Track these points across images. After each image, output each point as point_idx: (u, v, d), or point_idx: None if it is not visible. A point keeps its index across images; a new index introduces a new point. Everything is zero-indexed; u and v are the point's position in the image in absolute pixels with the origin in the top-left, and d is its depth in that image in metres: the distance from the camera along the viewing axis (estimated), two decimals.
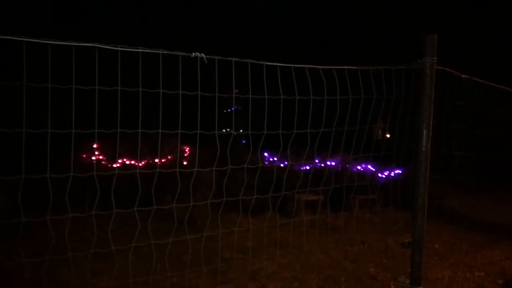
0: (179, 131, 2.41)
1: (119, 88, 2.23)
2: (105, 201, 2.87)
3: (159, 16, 16.81)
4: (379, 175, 10.14)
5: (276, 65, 2.49)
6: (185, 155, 9.66)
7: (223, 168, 2.73)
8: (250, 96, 2.56)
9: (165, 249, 3.31)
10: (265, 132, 2.67)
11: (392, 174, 10.12)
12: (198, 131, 2.44)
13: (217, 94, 2.51)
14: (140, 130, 2.33)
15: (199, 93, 2.38)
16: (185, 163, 9.08)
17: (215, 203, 3.21)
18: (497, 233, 7.97)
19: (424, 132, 2.83)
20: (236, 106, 11.50)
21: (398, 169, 9.99)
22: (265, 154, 9.93)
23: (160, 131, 2.37)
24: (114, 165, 8.83)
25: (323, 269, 5.81)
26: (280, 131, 2.75)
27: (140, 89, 2.23)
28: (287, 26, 16.85)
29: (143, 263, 5.19)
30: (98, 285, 4.76)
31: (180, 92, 2.33)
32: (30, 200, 4.26)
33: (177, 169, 2.43)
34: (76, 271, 4.24)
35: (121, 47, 2.03)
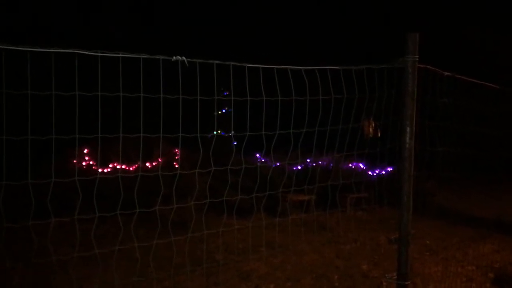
0: (161, 134, 2.42)
1: (99, 93, 2.24)
2: (94, 205, 2.87)
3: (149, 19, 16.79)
4: (370, 173, 10.19)
5: (259, 67, 2.51)
6: (176, 158, 9.65)
7: (206, 170, 2.75)
8: (233, 98, 2.58)
9: (155, 252, 3.31)
10: (248, 133, 2.70)
11: (383, 172, 10.18)
12: (180, 134, 2.46)
13: (199, 97, 2.52)
14: (121, 135, 2.34)
15: (180, 96, 2.40)
16: (176, 166, 9.07)
17: (208, 206, 3.23)
18: (487, 227, 8.04)
19: (408, 129, 2.86)
20: (226, 108, 11.51)
21: (389, 166, 10.06)
22: (257, 155, 9.94)
23: (141, 134, 2.38)
24: (105, 170, 8.81)
25: (315, 268, 5.83)
26: (263, 132, 2.77)
27: (121, 94, 2.24)
28: (271, 26, 16.90)
29: (133, 267, 5.18)
30: None
31: (161, 96, 2.34)
32: (17, 206, 4.25)
33: (159, 172, 2.45)
34: (66, 275, 4.23)
35: (100, 53, 2.04)
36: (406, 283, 2.87)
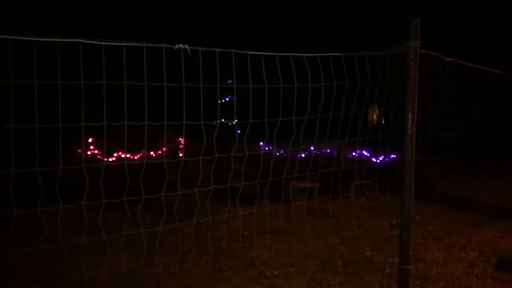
0: (165, 122, 2.46)
1: (104, 82, 2.27)
2: (100, 194, 2.92)
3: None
4: (374, 160, 10.21)
5: (260, 54, 2.53)
6: (180, 146, 9.71)
7: (210, 157, 2.79)
8: (235, 86, 2.60)
9: (162, 239, 3.37)
10: (251, 120, 2.72)
11: (387, 159, 10.20)
12: (184, 122, 2.49)
13: (201, 85, 2.55)
14: (126, 123, 2.38)
15: (183, 84, 2.42)
16: (180, 154, 9.13)
17: (213, 194, 3.27)
18: (491, 213, 8.07)
19: (409, 115, 2.88)
20: (230, 96, 11.51)
21: (393, 153, 10.07)
22: (260, 143, 9.96)
23: (146, 123, 2.42)
24: (110, 159, 8.88)
25: (319, 255, 5.89)
26: (266, 119, 2.80)
27: (125, 82, 2.27)
28: (270, 13, 16.83)
29: (140, 254, 5.26)
30: (94, 275, 4.83)
31: (165, 84, 2.37)
32: (24, 194, 4.32)
33: (164, 160, 2.49)
34: (74, 262, 4.30)
35: (105, 42, 2.07)
36: (408, 267, 2.91)
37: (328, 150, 9.51)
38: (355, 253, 5.99)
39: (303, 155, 9.53)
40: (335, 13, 16.61)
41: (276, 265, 5.51)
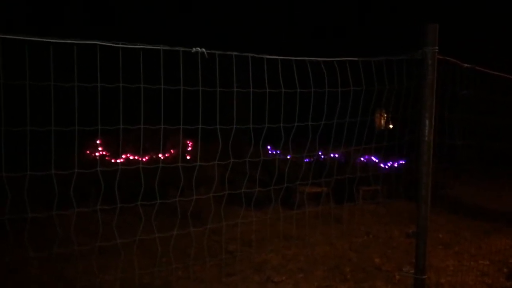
0: (181, 126, 2.43)
1: (120, 84, 2.24)
2: (111, 196, 2.89)
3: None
4: (383, 166, 10.13)
5: (277, 59, 2.50)
6: (188, 149, 9.69)
7: (225, 162, 2.75)
8: (251, 90, 2.57)
9: (170, 243, 3.34)
10: (266, 125, 2.69)
11: (396, 164, 10.12)
12: (200, 126, 2.46)
13: (218, 89, 2.52)
14: (142, 126, 2.35)
15: (200, 88, 2.40)
16: (188, 157, 9.11)
17: (221, 197, 3.23)
18: (502, 221, 7.96)
19: (427, 122, 2.83)
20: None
21: (402, 159, 9.98)
22: (268, 147, 9.92)
23: (162, 126, 2.39)
24: (118, 161, 8.88)
25: (328, 260, 5.84)
26: (282, 124, 2.76)
27: (142, 85, 2.25)
28: (285, 17, 16.84)
29: (149, 257, 5.24)
30: (105, 278, 4.81)
31: (182, 87, 2.34)
32: (37, 197, 4.31)
33: (179, 164, 2.46)
34: (83, 265, 4.29)
35: (122, 44, 2.05)
36: (423, 277, 2.86)
37: (336, 155, 9.43)
38: (364, 259, 5.93)
39: (310, 159, 9.47)
40: (347, 15, 16.59)
41: (284, 270, 5.46)
